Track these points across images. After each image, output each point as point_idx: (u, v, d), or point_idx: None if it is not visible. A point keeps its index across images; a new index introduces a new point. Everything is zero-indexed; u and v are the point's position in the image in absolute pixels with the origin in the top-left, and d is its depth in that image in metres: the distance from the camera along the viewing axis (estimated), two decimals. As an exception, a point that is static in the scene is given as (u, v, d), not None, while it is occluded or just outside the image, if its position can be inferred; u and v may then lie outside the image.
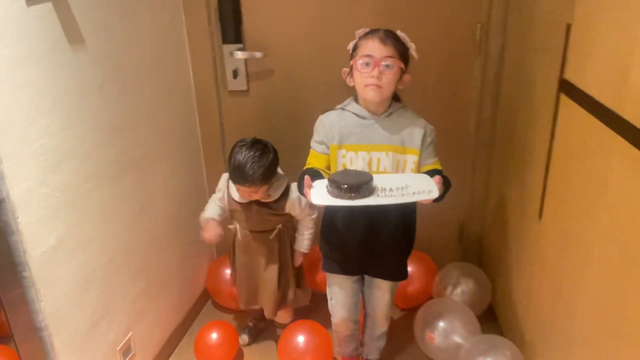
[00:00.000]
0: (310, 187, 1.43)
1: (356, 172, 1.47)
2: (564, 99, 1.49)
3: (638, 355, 1.10)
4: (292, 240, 2.01)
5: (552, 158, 1.59)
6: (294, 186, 1.85)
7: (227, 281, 2.28)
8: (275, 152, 1.83)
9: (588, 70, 1.35)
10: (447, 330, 1.95)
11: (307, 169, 1.58)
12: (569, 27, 1.45)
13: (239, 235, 1.99)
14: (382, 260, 1.72)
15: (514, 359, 1.76)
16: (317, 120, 1.64)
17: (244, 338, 2.20)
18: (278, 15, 2.16)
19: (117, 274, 1.76)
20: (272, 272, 1.98)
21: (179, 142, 2.17)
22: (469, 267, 2.29)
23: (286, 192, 1.88)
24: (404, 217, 1.67)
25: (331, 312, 1.91)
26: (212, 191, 2.03)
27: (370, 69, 1.47)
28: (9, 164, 1.28)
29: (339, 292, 1.83)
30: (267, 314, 2.07)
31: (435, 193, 1.40)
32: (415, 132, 1.57)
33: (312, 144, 1.64)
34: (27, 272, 1.36)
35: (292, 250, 2.01)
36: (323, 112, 1.64)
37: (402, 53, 1.51)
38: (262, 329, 2.26)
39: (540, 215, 1.68)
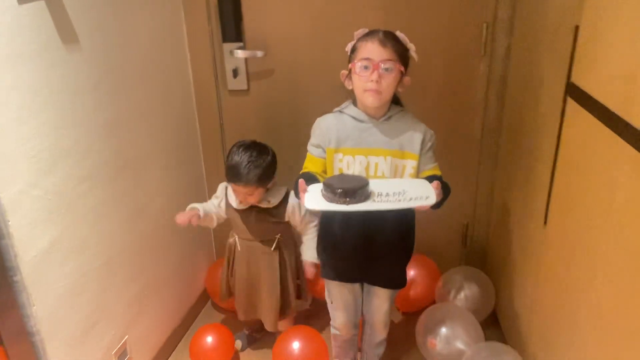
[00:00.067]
0: (304, 191, 1.40)
1: (352, 177, 1.43)
2: (571, 102, 1.45)
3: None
4: (292, 251, 1.97)
5: (558, 163, 1.56)
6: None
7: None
8: (274, 156, 1.81)
9: (595, 74, 1.31)
10: (450, 337, 1.93)
11: (302, 173, 1.55)
12: (576, 29, 1.41)
13: (238, 247, 1.96)
14: (380, 267, 1.69)
15: (517, 367, 1.73)
16: (315, 123, 1.61)
17: (239, 343, 2.18)
18: (279, 13, 2.13)
19: (113, 277, 1.74)
20: (273, 285, 1.95)
21: (178, 143, 2.15)
22: (472, 271, 2.26)
23: (286, 198, 1.86)
24: (402, 222, 1.64)
25: (331, 315, 1.88)
26: (212, 192, 2.02)
27: (370, 73, 1.44)
28: (-2, 166, 1.25)
29: (338, 297, 1.80)
30: (268, 327, 2.04)
31: (432, 199, 1.36)
32: (414, 137, 1.53)
33: (309, 147, 1.60)
34: (18, 276, 1.34)
35: (295, 262, 1.98)
36: (324, 113, 1.61)
37: (402, 55, 1.47)
38: (257, 338, 2.24)
39: (545, 221, 1.65)
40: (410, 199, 1.36)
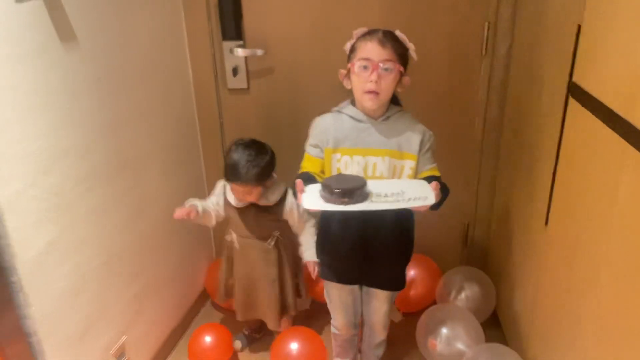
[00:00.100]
0: (302, 191, 1.39)
1: (350, 177, 1.42)
2: (573, 102, 1.44)
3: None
4: (290, 249, 1.96)
5: (559, 163, 1.54)
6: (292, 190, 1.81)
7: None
8: (273, 155, 1.80)
9: (598, 73, 1.30)
10: (450, 338, 1.92)
11: (300, 173, 1.54)
12: (579, 28, 1.40)
13: (236, 244, 1.95)
14: (378, 269, 1.68)
15: (517, 369, 1.72)
16: (312, 123, 1.59)
17: (238, 344, 2.17)
18: (280, 11, 2.11)
19: (111, 277, 1.73)
20: (272, 283, 1.94)
21: (178, 142, 2.14)
22: (473, 271, 2.25)
23: (285, 196, 1.85)
24: (400, 223, 1.62)
25: (332, 315, 1.88)
26: (212, 191, 2.00)
27: (369, 73, 1.42)
28: (-5, 166, 1.25)
29: (337, 299, 1.80)
30: (270, 325, 2.04)
31: (431, 200, 1.34)
32: (413, 137, 1.52)
33: (307, 147, 1.59)
34: (15, 277, 1.33)
35: (294, 260, 1.97)
36: (324, 112, 1.60)
37: (402, 55, 1.46)
38: (256, 338, 2.23)
39: (547, 221, 1.64)
40: (409, 200, 1.35)
